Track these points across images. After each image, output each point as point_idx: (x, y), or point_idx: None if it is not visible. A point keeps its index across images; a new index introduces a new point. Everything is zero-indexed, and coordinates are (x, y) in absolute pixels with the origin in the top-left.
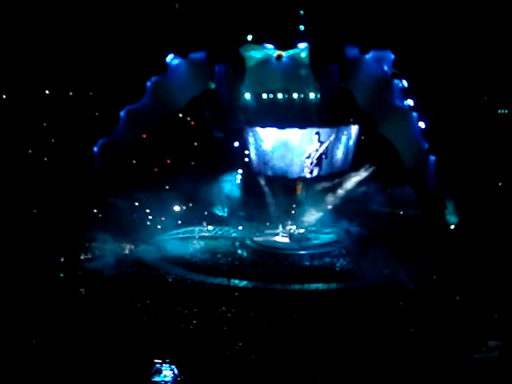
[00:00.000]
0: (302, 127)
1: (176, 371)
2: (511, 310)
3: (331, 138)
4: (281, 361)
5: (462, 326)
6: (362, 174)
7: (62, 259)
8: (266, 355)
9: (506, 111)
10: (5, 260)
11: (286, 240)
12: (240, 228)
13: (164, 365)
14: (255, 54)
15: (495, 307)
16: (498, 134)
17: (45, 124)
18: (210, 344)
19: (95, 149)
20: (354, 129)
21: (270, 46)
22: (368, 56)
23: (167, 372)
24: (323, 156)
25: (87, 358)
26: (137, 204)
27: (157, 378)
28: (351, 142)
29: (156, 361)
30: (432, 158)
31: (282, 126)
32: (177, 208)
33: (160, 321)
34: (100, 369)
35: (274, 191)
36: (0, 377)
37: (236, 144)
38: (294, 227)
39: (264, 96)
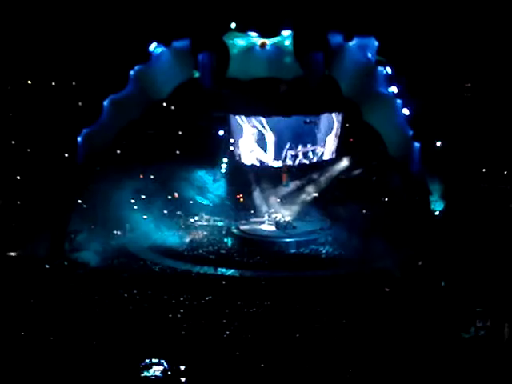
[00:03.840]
0: (286, 115)
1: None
2: (497, 292)
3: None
4: (270, 349)
5: (449, 308)
6: (347, 162)
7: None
8: (255, 343)
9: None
10: None
11: (272, 228)
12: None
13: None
14: (239, 42)
15: (482, 290)
16: (483, 120)
17: (27, 114)
18: (197, 333)
19: (79, 139)
20: (339, 116)
21: (253, 33)
22: (352, 43)
23: (157, 367)
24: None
25: (73, 351)
26: (122, 194)
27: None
28: (336, 130)
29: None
30: (417, 144)
31: (266, 114)
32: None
33: (147, 310)
34: (86, 362)
35: (260, 180)
36: None
37: (221, 133)
38: (280, 215)
39: (248, 84)
